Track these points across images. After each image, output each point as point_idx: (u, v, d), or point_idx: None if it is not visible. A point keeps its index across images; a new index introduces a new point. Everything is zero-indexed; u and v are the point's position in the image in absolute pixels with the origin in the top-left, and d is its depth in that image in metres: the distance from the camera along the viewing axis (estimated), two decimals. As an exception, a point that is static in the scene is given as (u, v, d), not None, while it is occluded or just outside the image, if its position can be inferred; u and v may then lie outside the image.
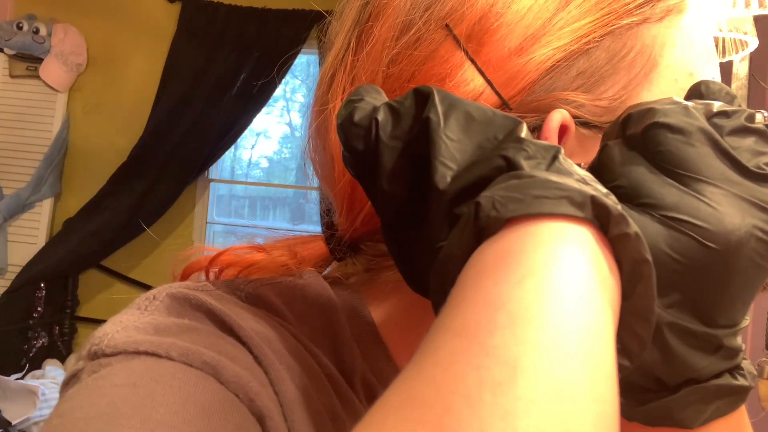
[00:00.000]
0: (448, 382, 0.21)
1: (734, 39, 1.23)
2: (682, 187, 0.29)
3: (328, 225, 0.44)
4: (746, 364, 0.32)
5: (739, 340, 0.31)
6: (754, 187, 0.29)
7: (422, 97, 0.31)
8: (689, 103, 0.31)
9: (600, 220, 0.26)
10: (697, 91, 0.34)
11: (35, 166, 3.06)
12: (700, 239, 0.28)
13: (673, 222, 0.28)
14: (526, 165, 0.27)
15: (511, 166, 0.27)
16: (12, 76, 3.12)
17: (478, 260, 0.25)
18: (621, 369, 0.27)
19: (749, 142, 0.30)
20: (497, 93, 0.38)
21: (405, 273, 0.34)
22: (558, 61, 0.38)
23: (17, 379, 2.63)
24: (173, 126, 3.01)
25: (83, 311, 3.16)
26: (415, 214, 0.32)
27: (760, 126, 0.31)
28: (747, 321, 0.32)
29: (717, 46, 1.28)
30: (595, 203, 0.25)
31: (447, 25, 0.38)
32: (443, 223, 0.29)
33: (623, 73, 0.39)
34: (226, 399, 0.31)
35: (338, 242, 0.43)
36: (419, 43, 0.39)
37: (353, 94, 0.34)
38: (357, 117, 0.32)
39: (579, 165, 0.38)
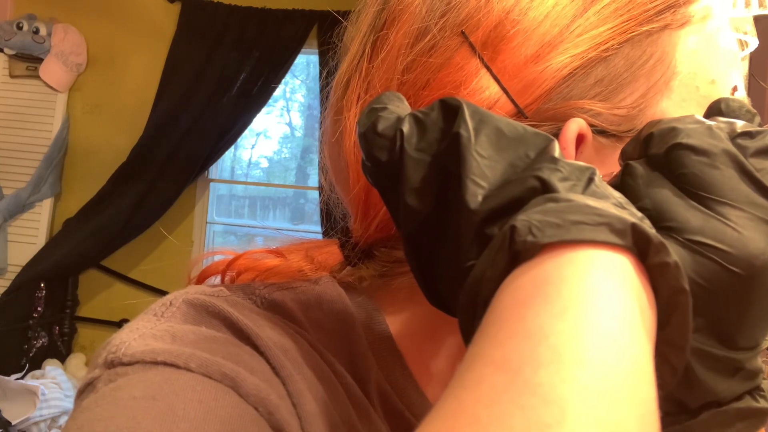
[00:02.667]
0: (492, 422, 0.21)
1: (737, 39, 1.23)
2: (706, 210, 0.28)
3: (343, 231, 0.44)
4: (766, 385, 0.32)
5: (759, 361, 0.31)
6: None
7: (449, 110, 0.30)
8: (712, 123, 0.30)
9: (639, 247, 0.25)
10: (716, 109, 0.33)
11: (35, 166, 3.06)
12: (725, 264, 0.27)
13: (698, 246, 0.28)
14: (561, 187, 0.26)
15: (546, 188, 0.27)
16: (12, 76, 3.12)
17: (516, 287, 0.25)
18: None
19: None
20: (513, 101, 0.37)
21: (425, 288, 0.33)
22: (575, 69, 0.37)
23: (17, 379, 2.63)
24: (173, 126, 3.01)
25: (83, 311, 3.16)
26: (440, 229, 0.31)
27: None
28: (767, 342, 0.31)
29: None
30: (636, 231, 0.25)
31: (463, 32, 0.38)
32: (473, 243, 0.28)
33: (642, 81, 0.38)
34: (246, 413, 0.31)
35: (352, 248, 0.43)
36: (434, 50, 0.38)
37: (375, 102, 0.33)
38: (381, 127, 0.31)
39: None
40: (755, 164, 0.30)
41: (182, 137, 3.01)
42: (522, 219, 0.25)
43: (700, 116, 0.31)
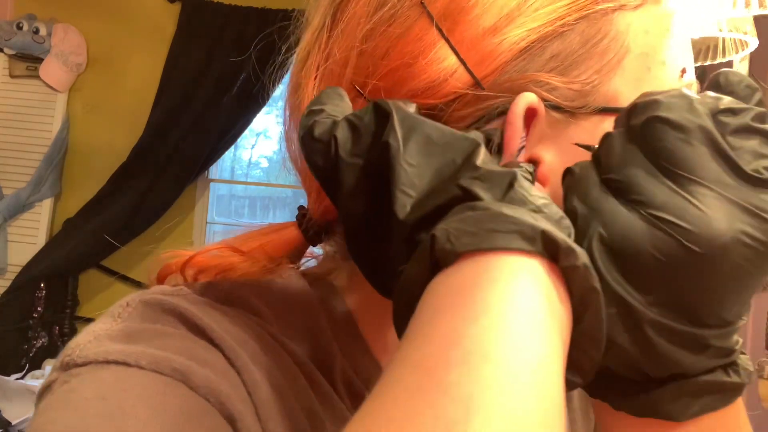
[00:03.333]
0: (404, 420, 0.22)
1: (734, 39, 1.23)
2: (674, 186, 0.29)
3: (300, 208, 0.44)
4: (744, 360, 0.32)
5: (733, 339, 0.31)
6: (749, 191, 0.29)
7: (382, 114, 0.31)
8: (696, 97, 0.30)
9: (550, 252, 0.26)
10: (715, 82, 0.33)
11: (35, 166, 3.06)
12: (684, 241, 0.28)
13: (660, 222, 0.28)
14: (481, 194, 0.28)
15: (467, 196, 0.28)
16: (12, 76, 3.11)
17: (434, 293, 0.26)
18: (572, 385, 0.28)
19: (753, 143, 0.30)
20: (470, 72, 0.37)
21: (371, 279, 0.35)
22: (532, 43, 0.38)
23: (17, 379, 2.63)
24: (173, 126, 3.00)
25: (83, 311, 3.16)
26: (377, 230, 0.32)
27: (767, 127, 0.30)
28: (744, 321, 0.31)
29: (717, 46, 1.28)
30: (545, 237, 0.26)
31: (422, 2, 0.38)
32: (404, 248, 0.30)
33: (596, 59, 0.39)
34: (197, 404, 0.32)
35: (310, 225, 0.43)
36: (394, 19, 0.39)
37: (314, 103, 0.34)
38: (317, 132, 0.32)
39: (592, 147, 0.38)
40: (733, 142, 0.30)
41: (182, 137, 3.01)
42: (441, 228, 0.27)
43: (687, 90, 0.31)
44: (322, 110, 0.33)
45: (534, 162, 0.38)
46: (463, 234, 0.26)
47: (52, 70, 3.05)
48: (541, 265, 0.26)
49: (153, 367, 0.32)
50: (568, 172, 0.33)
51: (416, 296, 0.27)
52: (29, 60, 3.08)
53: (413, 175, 0.30)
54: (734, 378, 0.31)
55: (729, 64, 1.34)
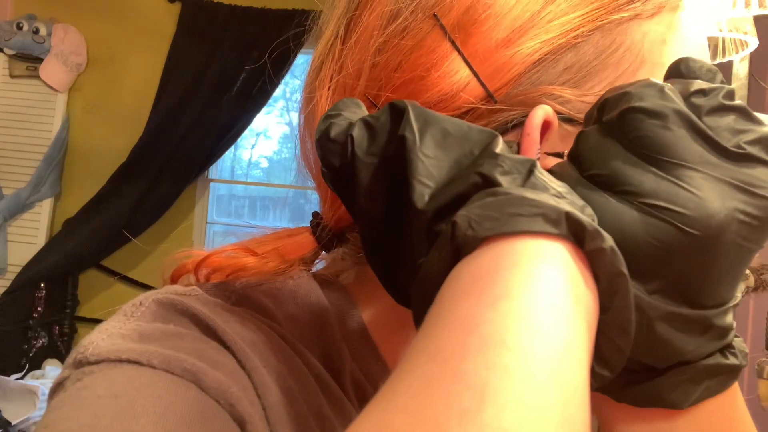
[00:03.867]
0: (418, 409, 0.21)
1: (734, 39, 1.23)
2: (660, 172, 0.28)
3: (314, 215, 0.44)
4: (738, 342, 0.32)
5: (729, 318, 0.31)
6: (734, 168, 0.29)
7: (398, 113, 0.31)
8: (665, 85, 0.30)
9: (575, 235, 0.25)
10: (676, 70, 0.33)
11: (35, 166, 3.06)
12: (680, 225, 0.28)
13: (652, 209, 0.28)
14: (502, 181, 0.27)
15: (487, 183, 0.27)
16: (12, 76, 3.11)
17: (454, 280, 0.25)
18: (600, 379, 0.28)
19: (728, 120, 0.30)
20: (483, 84, 0.37)
21: (387, 286, 0.34)
22: (545, 55, 0.37)
23: (17, 379, 2.63)
24: (173, 126, 3.01)
25: (83, 311, 3.16)
26: (395, 229, 0.32)
27: (739, 103, 0.30)
28: (738, 299, 0.31)
29: (717, 46, 1.28)
30: (570, 219, 0.25)
31: (435, 15, 0.38)
32: (423, 241, 0.29)
33: (611, 70, 0.38)
34: (207, 405, 0.31)
35: (323, 232, 0.43)
36: (406, 32, 0.39)
37: (331, 109, 0.33)
38: (333, 133, 0.32)
39: (561, 154, 0.38)
40: (709, 122, 0.29)
41: (182, 137, 3.01)
42: (462, 214, 0.26)
43: (654, 79, 0.31)
44: (339, 114, 0.33)
45: None
46: (485, 219, 0.25)
47: (52, 70, 3.05)
48: (566, 249, 0.25)
49: (164, 367, 0.32)
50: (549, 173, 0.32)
51: (436, 287, 0.26)
52: (29, 60, 3.08)
53: (430, 165, 0.29)
54: (732, 360, 0.31)
55: (729, 64, 1.34)
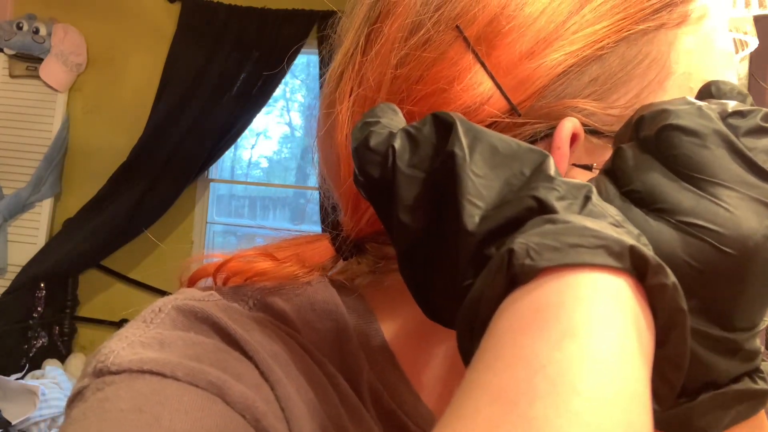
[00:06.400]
0: None
1: (734, 39, 1.23)
2: (697, 191, 0.28)
3: (334, 224, 0.43)
4: (766, 366, 0.31)
5: (757, 342, 0.31)
6: None
7: (442, 125, 0.30)
8: (703, 104, 0.30)
9: (637, 269, 0.25)
10: (707, 92, 0.33)
11: (35, 166, 3.06)
12: (717, 245, 0.27)
13: (690, 227, 0.28)
14: (558, 207, 0.26)
15: (543, 208, 0.27)
16: (12, 76, 3.11)
17: (514, 312, 0.24)
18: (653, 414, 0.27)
19: (765, 142, 0.30)
20: (506, 97, 0.37)
21: (421, 303, 0.33)
22: (570, 67, 0.37)
23: (17, 379, 2.63)
24: (173, 126, 3.00)
25: (83, 311, 3.16)
26: (434, 245, 0.31)
27: None
28: (766, 322, 0.31)
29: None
30: (633, 253, 0.25)
31: (457, 27, 0.38)
32: (470, 263, 0.28)
33: (637, 81, 0.38)
34: (233, 421, 0.31)
35: (343, 242, 0.42)
36: (428, 44, 0.38)
37: (368, 115, 0.33)
38: (373, 142, 0.31)
39: (589, 166, 0.37)
40: (747, 143, 0.29)
41: (182, 137, 3.01)
42: (520, 242, 0.25)
43: (690, 98, 0.31)
44: (377, 122, 0.32)
45: None
46: (545, 249, 0.24)
47: (52, 70, 3.05)
48: (628, 284, 0.24)
49: (189, 380, 0.31)
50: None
51: (486, 314, 0.26)
52: (29, 60, 3.08)
53: (481, 185, 0.28)
54: (762, 385, 0.31)
55: (729, 64, 1.34)
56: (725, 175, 0.28)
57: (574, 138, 0.37)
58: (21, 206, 3.05)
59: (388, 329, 0.43)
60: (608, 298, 0.24)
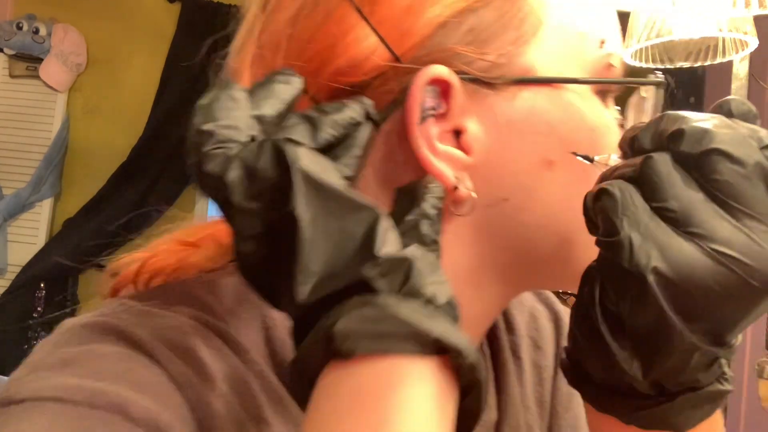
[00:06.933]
0: None
1: (734, 39, 1.23)
2: (733, 221, 0.30)
3: None
4: (725, 367, 0.34)
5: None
6: None
7: (281, 161, 0.30)
8: (745, 131, 0.31)
9: (443, 351, 0.28)
10: (725, 109, 0.34)
11: (35, 166, 3.06)
12: (744, 276, 0.29)
13: (722, 257, 0.29)
14: (380, 285, 0.29)
15: (365, 287, 0.29)
16: (12, 76, 3.11)
17: (336, 392, 0.28)
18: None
19: None
20: (389, 48, 0.39)
21: (267, 301, 0.34)
22: (448, 18, 0.39)
23: (17, 379, 2.63)
24: (173, 126, 3.00)
25: (83, 311, 3.15)
26: (275, 270, 0.32)
27: None
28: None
29: (717, 46, 1.28)
30: (438, 344, 0.28)
31: None
32: (301, 323, 0.30)
33: (512, 31, 0.40)
34: None
35: None
36: (318, 4, 0.40)
37: (204, 115, 0.33)
38: (209, 167, 0.31)
39: (592, 159, 0.37)
40: None
41: (182, 137, 2.99)
42: (339, 329, 0.28)
43: (724, 119, 0.32)
44: (212, 133, 0.31)
45: (458, 132, 0.40)
46: (361, 337, 0.27)
47: (52, 70, 3.05)
48: (433, 366, 0.28)
49: (89, 402, 0.32)
50: (605, 193, 0.32)
51: (315, 371, 0.29)
52: (29, 60, 3.08)
53: (315, 254, 0.30)
54: (726, 386, 0.34)
55: (729, 64, 1.34)
56: (761, 209, 0.30)
57: (447, 86, 0.39)
58: (21, 206, 3.05)
59: None
60: (416, 382, 0.27)
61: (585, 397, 0.37)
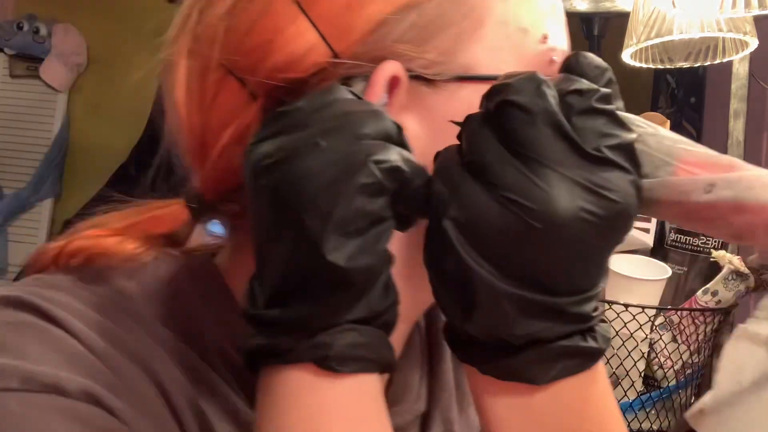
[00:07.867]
0: None
1: (734, 39, 1.22)
2: (521, 167, 0.31)
3: (188, 186, 0.45)
4: (603, 328, 0.34)
5: (591, 306, 0.33)
6: (589, 169, 0.31)
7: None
8: (544, 80, 0.32)
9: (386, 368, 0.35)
10: (567, 64, 0.35)
11: (35, 166, 3.06)
12: (527, 219, 0.30)
13: (507, 202, 0.31)
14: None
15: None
16: (12, 76, 3.11)
17: (270, 389, 0.34)
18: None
19: (598, 123, 0.32)
20: (329, 45, 0.38)
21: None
22: (389, 14, 0.39)
23: (17, 379, 2.63)
24: (173, 126, 3.00)
25: (83, 311, 3.16)
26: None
27: (610, 107, 0.33)
28: (601, 287, 0.34)
29: (717, 46, 1.28)
30: (382, 359, 0.34)
31: None
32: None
33: (454, 28, 0.40)
34: (77, 410, 0.33)
35: (197, 202, 0.44)
36: None
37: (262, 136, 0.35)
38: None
39: (461, 123, 0.38)
40: (578, 123, 0.32)
41: (182, 137, 3.01)
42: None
43: (538, 72, 0.33)
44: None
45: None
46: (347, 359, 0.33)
47: (52, 70, 3.05)
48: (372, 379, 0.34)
49: (25, 387, 0.33)
50: (438, 155, 0.35)
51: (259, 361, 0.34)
52: (29, 60, 3.08)
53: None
54: (591, 343, 0.33)
55: (729, 64, 1.34)
56: (547, 154, 0.31)
57: (395, 82, 0.39)
58: (21, 206, 3.05)
59: (239, 288, 0.43)
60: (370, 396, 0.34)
61: (451, 348, 0.38)
